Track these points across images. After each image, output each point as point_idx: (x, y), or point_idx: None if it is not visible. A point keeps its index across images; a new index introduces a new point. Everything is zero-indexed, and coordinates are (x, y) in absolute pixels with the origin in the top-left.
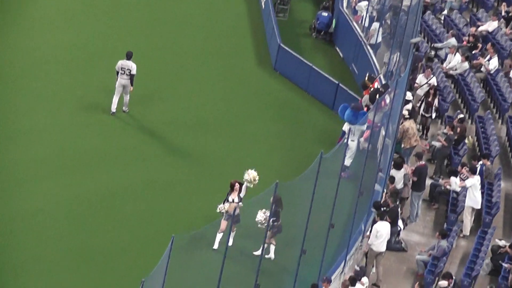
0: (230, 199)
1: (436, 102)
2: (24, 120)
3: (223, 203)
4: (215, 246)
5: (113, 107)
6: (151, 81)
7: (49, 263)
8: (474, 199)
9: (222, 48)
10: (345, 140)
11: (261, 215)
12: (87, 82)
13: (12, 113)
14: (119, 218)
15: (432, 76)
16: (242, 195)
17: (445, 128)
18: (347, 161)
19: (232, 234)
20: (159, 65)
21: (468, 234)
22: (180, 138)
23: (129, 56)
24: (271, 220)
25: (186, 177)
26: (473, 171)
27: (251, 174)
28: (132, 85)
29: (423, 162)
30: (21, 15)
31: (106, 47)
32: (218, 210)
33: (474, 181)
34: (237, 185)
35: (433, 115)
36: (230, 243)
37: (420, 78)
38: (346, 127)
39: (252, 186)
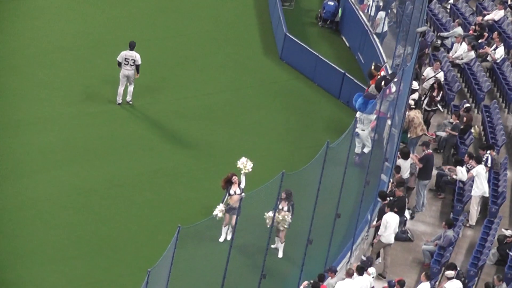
0: (231, 191)
1: (439, 97)
2: (30, 109)
3: (222, 202)
4: (221, 239)
5: (119, 98)
6: (156, 70)
7: (56, 252)
8: (481, 188)
9: (228, 37)
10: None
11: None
12: (94, 71)
13: (19, 102)
14: (125, 208)
15: (440, 70)
16: (242, 185)
17: (451, 117)
18: (366, 150)
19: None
20: (164, 54)
21: (474, 224)
22: (186, 127)
23: (132, 46)
24: (289, 217)
25: (192, 166)
26: (478, 161)
27: (242, 162)
28: (138, 72)
29: (430, 151)
30: (26, 3)
31: (112, 35)
32: (214, 214)
33: (480, 170)
34: (234, 178)
35: (439, 108)
36: (229, 238)
37: (428, 71)
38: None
39: (247, 170)
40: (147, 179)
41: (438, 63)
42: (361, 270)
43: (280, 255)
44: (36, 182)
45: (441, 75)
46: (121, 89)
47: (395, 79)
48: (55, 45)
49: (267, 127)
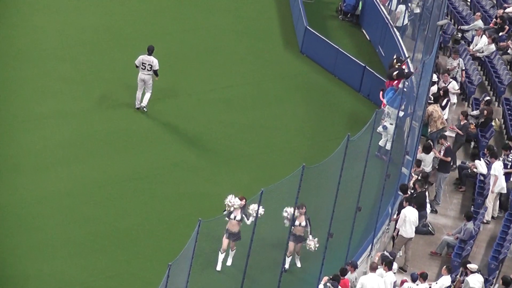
0: (232, 216)
1: (444, 102)
2: (50, 103)
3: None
4: (218, 268)
5: (137, 103)
6: (176, 63)
7: (76, 246)
8: (498, 184)
9: (248, 30)
10: (383, 122)
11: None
12: (114, 65)
13: (39, 96)
14: (145, 201)
15: (450, 80)
16: (245, 213)
17: (472, 110)
18: (388, 145)
19: (232, 253)
20: (185, 47)
21: (489, 219)
22: (206, 120)
23: (150, 51)
24: (309, 229)
25: (212, 160)
26: (496, 156)
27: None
28: (157, 76)
29: (449, 143)
30: None
31: (132, 29)
32: (226, 203)
33: (496, 166)
34: (242, 202)
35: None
36: (229, 263)
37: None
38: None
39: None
40: (167, 173)
41: (446, 74)
42: (390, 264)
43: (299, 264)
44: (56, 175)
45: (453, 85)
46: (139, 94)
47: (413, 72)
48: (75, 39)
49: (287, 120)
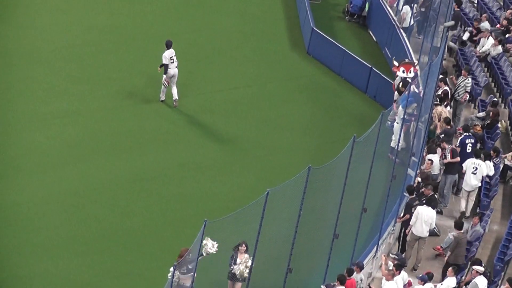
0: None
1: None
2: (58, 102)
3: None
4: None
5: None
6: (183, 64)
7: (82, 245)
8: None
9: (255, 32)
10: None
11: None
12: (121, 65)
13: (46, 96)
14: (151, 201)
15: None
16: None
17: (478, 112)
18: (393, 144)
19: None
20: (191, 48)
21: (464, 212)
22: (213, 121)
23: (169, 45)
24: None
25: (219, 160)
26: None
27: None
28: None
29: (451, 145)
30: None
31: (139, 29)
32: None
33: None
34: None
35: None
36: None
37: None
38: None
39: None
40: (174, 173)
41: (442, 82)
42: (399, 267)
43: None
44: (62, 175)
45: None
46: (174, 90)
47: (415, 80)
48: (83, 39)
49: (294, 121)
